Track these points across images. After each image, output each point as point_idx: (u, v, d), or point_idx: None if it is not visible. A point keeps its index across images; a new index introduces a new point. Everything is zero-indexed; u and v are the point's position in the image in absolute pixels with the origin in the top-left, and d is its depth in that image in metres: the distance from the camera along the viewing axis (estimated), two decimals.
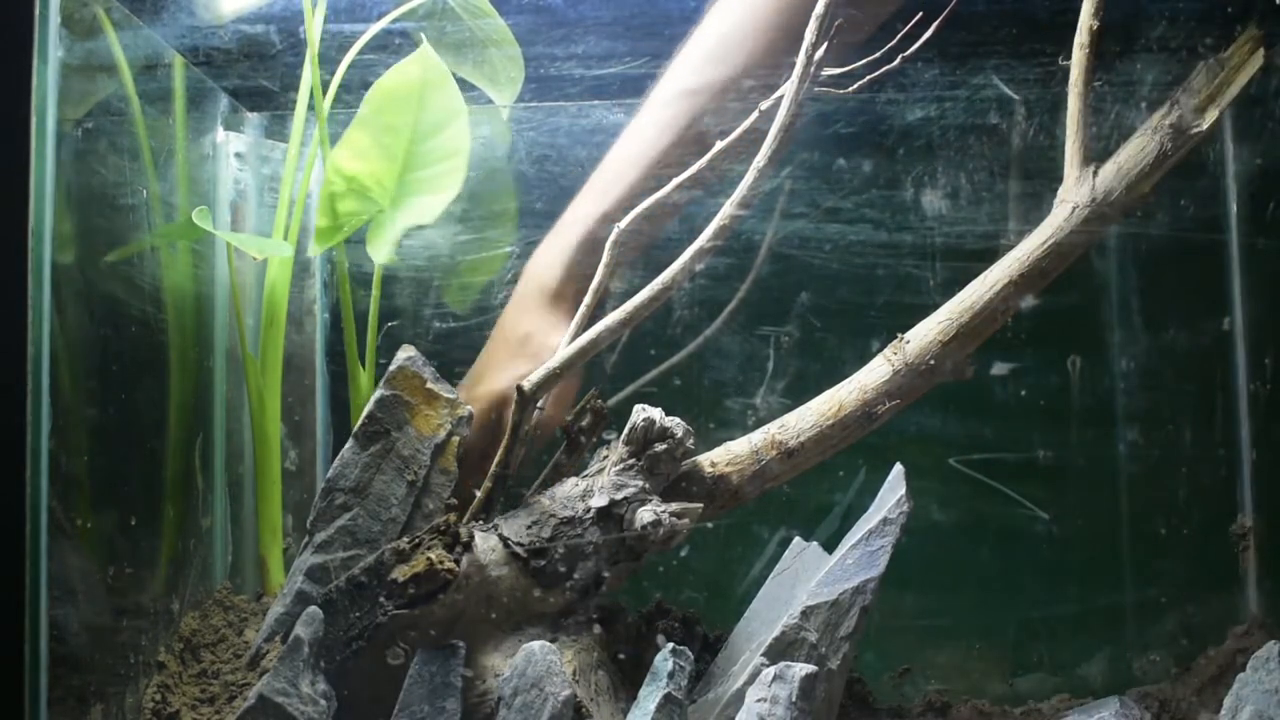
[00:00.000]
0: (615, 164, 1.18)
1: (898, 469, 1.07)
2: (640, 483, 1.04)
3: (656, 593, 1.17)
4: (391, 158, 1.14)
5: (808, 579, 1.05)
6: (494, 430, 1.13)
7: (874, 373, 1.08)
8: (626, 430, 1.05)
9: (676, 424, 1.05)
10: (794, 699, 0.96)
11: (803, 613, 1.03)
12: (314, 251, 1.18)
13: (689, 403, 1.26)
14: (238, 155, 1.32)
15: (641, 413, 1.05)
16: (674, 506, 1.03)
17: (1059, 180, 1.08)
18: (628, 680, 1.06)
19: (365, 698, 0.99)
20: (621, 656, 1.08)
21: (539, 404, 1.08)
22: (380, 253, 1.17)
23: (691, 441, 1.05)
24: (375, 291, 1.23)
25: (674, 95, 1.16)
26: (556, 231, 1.19)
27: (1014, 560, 1.34)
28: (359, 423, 1.07)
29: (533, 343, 1.16)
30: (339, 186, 1.15)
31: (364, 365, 1.20)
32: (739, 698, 0.99)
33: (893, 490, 1.06)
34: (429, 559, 0.98)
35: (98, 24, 1.05)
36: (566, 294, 1.16)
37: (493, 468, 1.07)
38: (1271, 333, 1.26)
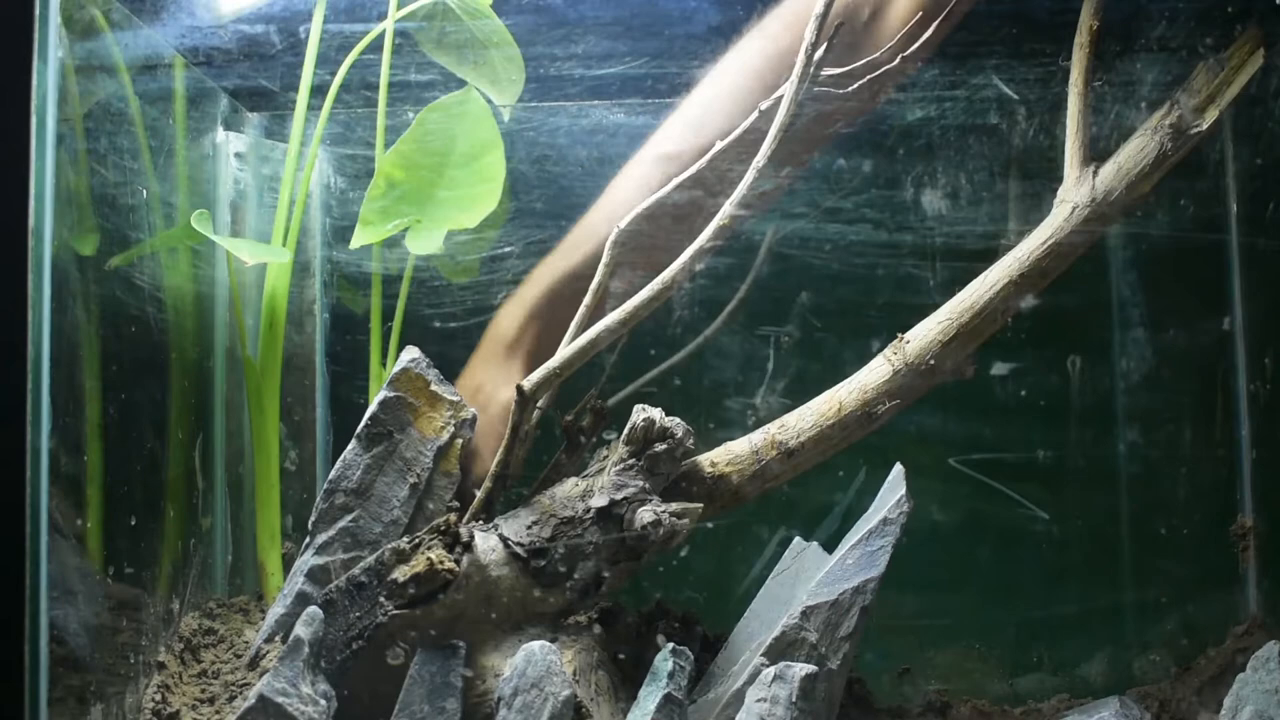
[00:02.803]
0: (589, 221, 1.19)
1: (898, 469, 1.07)
2: (640, 483, 1.04)
3: (656, 593, 1.17)
4: (436, 171, 1.20)
5: (808, 579, 1.05)
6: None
7: (874, 373, 1.08)
8: (626, 430, 1.05)
9: (676, 424, 1.05)
10: (794, 699, 0.96)
11: (803, 613, 1.03)
12: (354, 245, 1.20)
13: (689, 403, 1.26)
14: (238, 155, 1.32)
15: (641, 413, 1.05)
16: (674, 506, 1.03)
17: (1059, 180, 1.08)
18: (628, 680, 1.06)
19: (365, 698, 0.99)
20: (621, 656, 1.08)
21: (539, 404, 1.08)
22: (421, 247, 1.20)
23: (691, 441, 1.05)
24: (404, 289, 1.23)
25: (654, 158, 1.18)
26: (525, 285, 1.21)
27: (1014, 560, 1.34)
28: (362, 424, 1.07)
29: (482, 394, 1.17)
30: (383, 189, 1.19)
31: (385, 364, 1.21)
32: (739, 698, 0.99)
33: (893, 490, 1.06)
34: (429, 559, 0.98)
35: (97, 24, 1.05)
36: (522, 347, 1.18)
37: (493, 468, 1.07)
38: (1271, 333, 1.26)
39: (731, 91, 1.17)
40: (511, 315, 1.20)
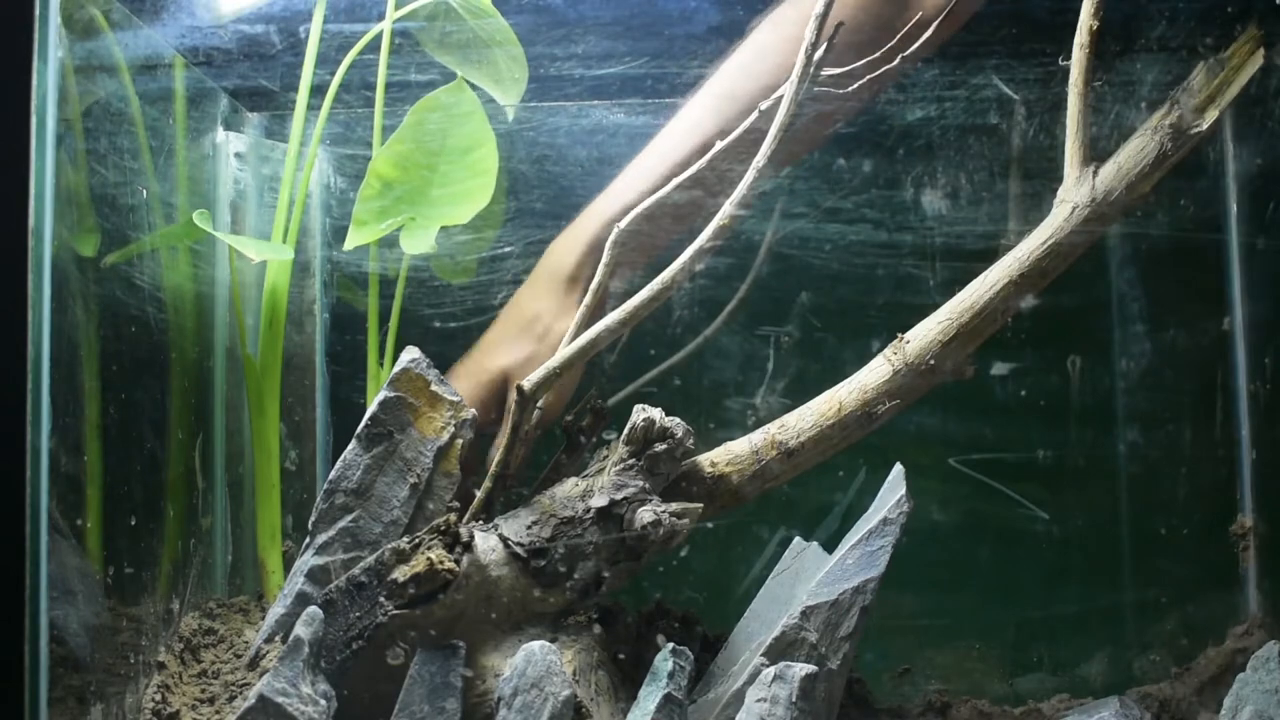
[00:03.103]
0: (644, 161, 1.19)
1: (898, 469, 1.07)
2: (640, 483, 1.04)
3: (656, 593, 1.17)
4: (429, 168, 1.20)
5: (808, 579, 1.05)
6: (492, 404, 1.16)
7: (874, 373, 1.08)
8: (626, 430, 1.05)
9: (676, 424, 1.05)
10: (794, 699, 0.96)
11: (803, 613, 1.03)
12: (348, 246, 1.20)
13: (689, 403, 1.26)
14: (238, 155, 1.32)
15: (641, 413, 1.05)
16: (674, 506, 1.03)
17: (1059, 180, 1.08)
18: (628, 680, 1.06)
19: (365, 698, 0.99)
20: (621, 656, 1.08)
21: (539, 403, 1.08)
22: (414, 246, 1.20)
23: (691, 441, 1.05)
24: (400, 288, 1.23)
25: (711, 97, 1.19)
26: (579, 220, 1.21)
27: (1014, 560, 1.34)
28: (362, 424, 1.07)
29: (540, 323, 1.18)
30: (377, 189, 1.18)
31: (383, 364, 1.22)
32: (739, 698, 0.99)
33: (893, 490, 1.06)
34: (429, 559, 0.98)
35: (98, 24, 1.05)
36: (580, 280, 1.19)
37: (493, 468, 1.07)
38: (1271, 333, 1.26)
39: (786, 37, 1.16)
40: (569, 249, 1.20)
